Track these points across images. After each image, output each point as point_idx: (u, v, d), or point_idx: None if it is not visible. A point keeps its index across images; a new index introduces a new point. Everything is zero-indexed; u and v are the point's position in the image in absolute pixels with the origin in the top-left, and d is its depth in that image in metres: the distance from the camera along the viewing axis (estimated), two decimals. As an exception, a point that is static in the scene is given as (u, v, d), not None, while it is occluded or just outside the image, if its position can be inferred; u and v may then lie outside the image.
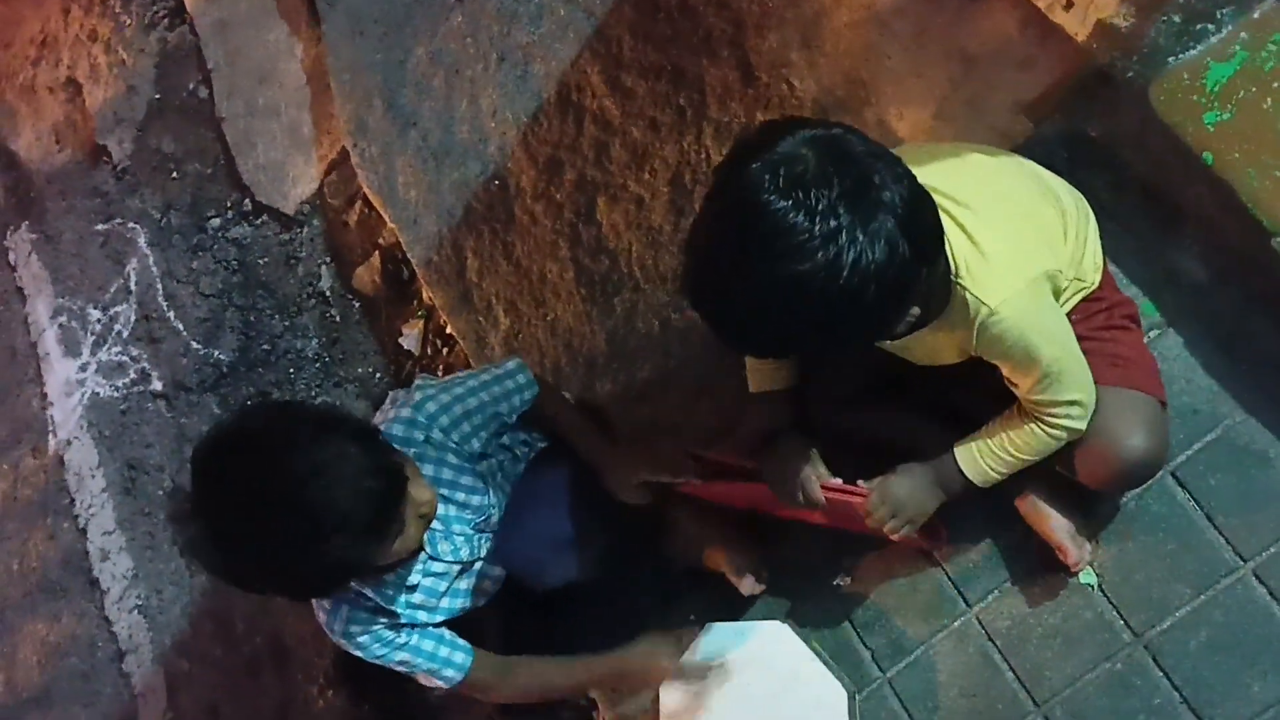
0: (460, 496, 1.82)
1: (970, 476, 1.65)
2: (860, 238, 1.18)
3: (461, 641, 1.89)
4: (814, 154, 1.20)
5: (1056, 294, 1.52)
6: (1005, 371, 1.52)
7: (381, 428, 1.76)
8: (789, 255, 1.18)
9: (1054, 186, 1.62)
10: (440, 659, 1.86)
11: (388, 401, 1.86)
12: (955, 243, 1.41)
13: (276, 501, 1.45)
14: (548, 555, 1.85)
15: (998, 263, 1.41)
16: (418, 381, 1.86)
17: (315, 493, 1.45)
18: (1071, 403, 1.53)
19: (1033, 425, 1.57)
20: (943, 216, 1.37)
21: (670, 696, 2.14)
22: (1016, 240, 1.45)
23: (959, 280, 1.42)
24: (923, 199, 1.29)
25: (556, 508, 1.88)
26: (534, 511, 1.87)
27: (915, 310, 1.37)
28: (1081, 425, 1.56)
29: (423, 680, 1.92)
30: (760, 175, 1.19)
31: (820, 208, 1.17)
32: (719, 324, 1.33)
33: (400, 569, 1.75)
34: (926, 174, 1.39)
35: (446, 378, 1.89)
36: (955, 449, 1.66)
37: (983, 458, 1.64)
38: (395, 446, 1.65)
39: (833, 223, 1.17)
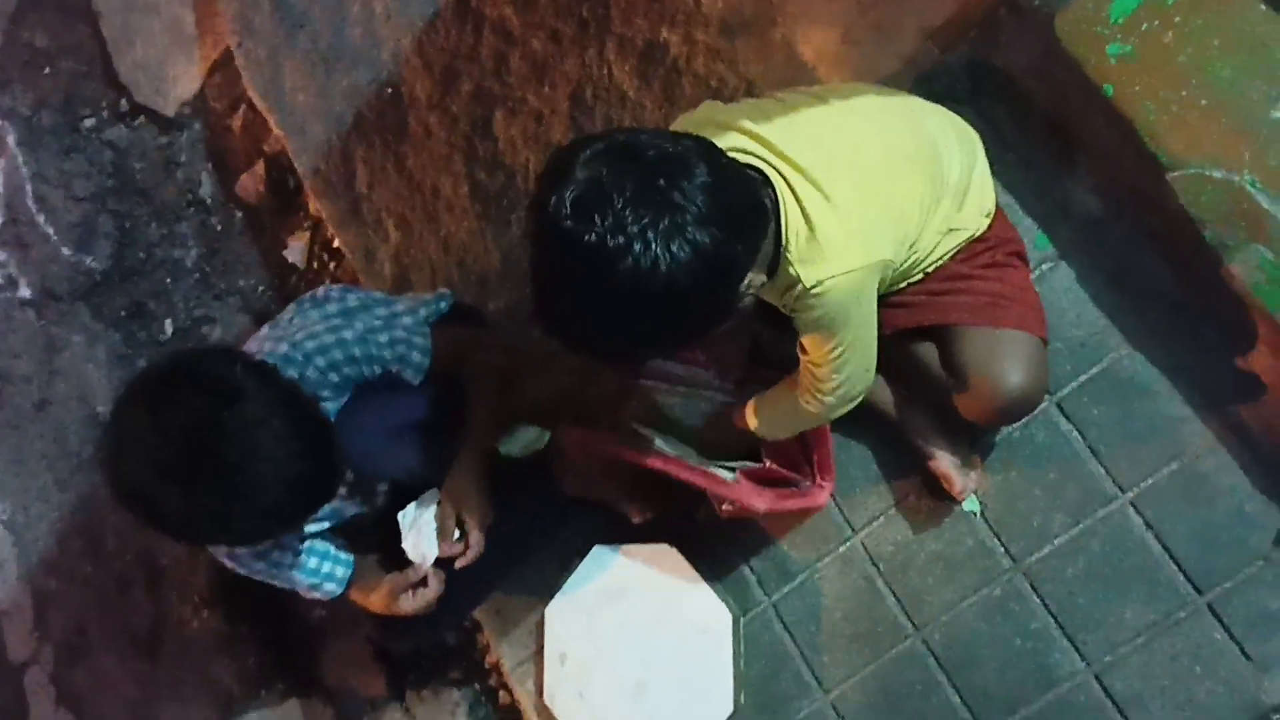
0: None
1: (751, 428, 1.78)
2: (653, 240, 1.21)
3: (344, 555, 1.90)
4: (596, 172, 1.24)
5: (884, 280, 1.53)
6: (801, 336, 1.55)
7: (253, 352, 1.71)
8: (598, 273, 1.23)
9: (939, 147, 1.58)
10: (322, 574, 1.87)
11: (280, 317, 1.81)
12: (790, 214, 1.42)
13: (214, 495, 1.43)
14: (379, 448, 1.81)
15: (827, 245, 1.41)
16: (329, 291, 1.83)
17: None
18: (840, 384, 1.57)
19: (799, 396, 1.63)
20: (781, 185, 1.41)
21: (556, 618, 2.13)
22: (856, 224, 1.43)
23: (786, 250, 1.43)
24: (724, 185, 1.29)
25: (392, 398, 1.83)
26: (368, 401, 1.81)
27: (761, 279, 1.41)
28: (838, 408, 1.62)
29: (303, 594, 1.91)
30: (554, 207, 1.24)
31: (608, 224, 1.21)
32: (573, 346, 1.38)
33: None
34: (781, 137, 1.44)
35: (355, 300, 1.83)
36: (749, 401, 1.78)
37: (759, 415, 1.76)
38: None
39: (622, 237, 1.21)
